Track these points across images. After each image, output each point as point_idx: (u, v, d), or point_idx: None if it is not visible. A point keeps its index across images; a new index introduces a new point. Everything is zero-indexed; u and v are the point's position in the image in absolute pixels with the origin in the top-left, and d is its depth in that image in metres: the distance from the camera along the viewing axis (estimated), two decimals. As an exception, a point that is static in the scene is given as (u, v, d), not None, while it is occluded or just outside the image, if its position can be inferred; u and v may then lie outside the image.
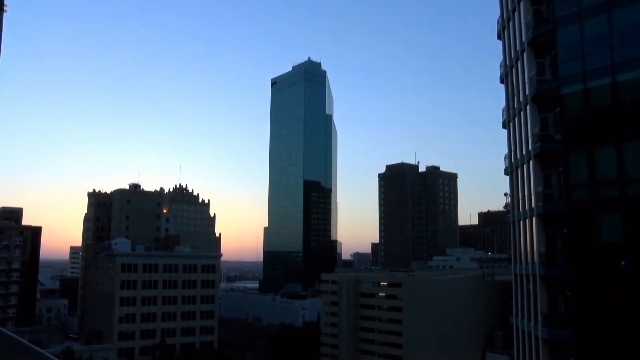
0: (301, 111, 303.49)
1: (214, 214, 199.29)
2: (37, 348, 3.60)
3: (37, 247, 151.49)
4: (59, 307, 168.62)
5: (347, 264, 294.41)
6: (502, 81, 42.81)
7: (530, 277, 35.48)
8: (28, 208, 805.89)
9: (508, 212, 46.16)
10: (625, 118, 29.04)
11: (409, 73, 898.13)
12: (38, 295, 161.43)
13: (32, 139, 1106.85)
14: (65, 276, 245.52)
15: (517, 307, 38.89)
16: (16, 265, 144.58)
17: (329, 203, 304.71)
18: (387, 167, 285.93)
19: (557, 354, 32.38)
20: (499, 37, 43.10)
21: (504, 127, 42.17)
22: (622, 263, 28.17)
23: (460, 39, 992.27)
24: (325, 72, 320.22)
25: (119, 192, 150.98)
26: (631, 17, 29.25)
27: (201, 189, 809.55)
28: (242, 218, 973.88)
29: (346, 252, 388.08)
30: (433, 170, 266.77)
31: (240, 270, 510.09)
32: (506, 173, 41.66)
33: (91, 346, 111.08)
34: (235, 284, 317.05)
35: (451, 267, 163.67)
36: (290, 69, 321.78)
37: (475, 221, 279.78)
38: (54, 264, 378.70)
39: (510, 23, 39.67)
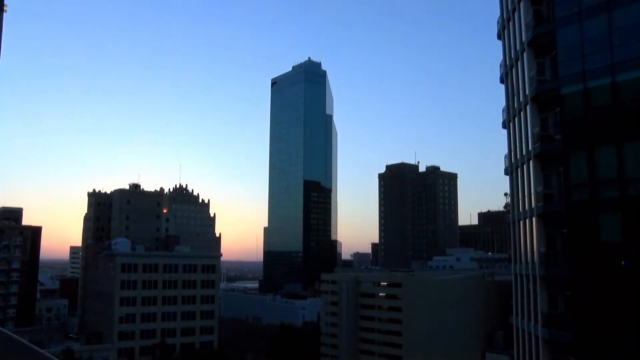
0: (301, 111, 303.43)
1: (214, 214, 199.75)
2: (37, 348, 3.60)
3: (37, 247, 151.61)
4: (59, 307, 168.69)
5: (347, 264, 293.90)
6: (502, 81, 42.83)
7: (530, 277, 35.48)
8: (28, 208, 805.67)
9: (508, 212, 46.15)
10: (625, 118, 29.03)
11: (409, 73, 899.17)
12: (38, 295, 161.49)
13: (32, 139, 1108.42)
14: (65, 276, 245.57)
15: (517, 307, 38.88)
16: (16, 265, 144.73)
17: (329, 203, 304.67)
18: (387, 167, 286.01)
19: (557, 354, 32.37)
20: (499, 37, 43.12)
21: (504, 127, 42.19)
22: (622, 263, 28.16)
23: (460, 39, 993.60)
24: (325, 72, 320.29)
25: (119, 192, 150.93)
26: (631, 17, 29.23)
27: (201, 189, 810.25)
28: (242, 218, 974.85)
29: (346, 252, 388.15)
30: (433, 170, 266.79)
31: (240, 270, 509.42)
32: (506, 173, 41.67)
33: (91, 346, 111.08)
34: (235, 284, 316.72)
35: (451, 267, 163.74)
36: (290, 69, 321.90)
37: (475, 221, 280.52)
38: (54, 264, 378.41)
39: (510, 23, 39.68)
